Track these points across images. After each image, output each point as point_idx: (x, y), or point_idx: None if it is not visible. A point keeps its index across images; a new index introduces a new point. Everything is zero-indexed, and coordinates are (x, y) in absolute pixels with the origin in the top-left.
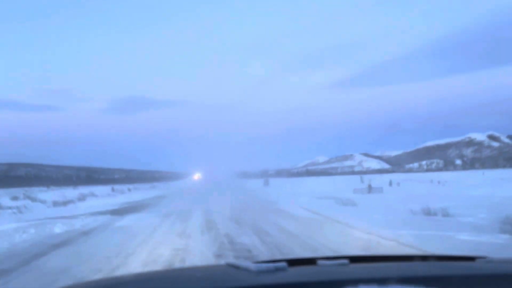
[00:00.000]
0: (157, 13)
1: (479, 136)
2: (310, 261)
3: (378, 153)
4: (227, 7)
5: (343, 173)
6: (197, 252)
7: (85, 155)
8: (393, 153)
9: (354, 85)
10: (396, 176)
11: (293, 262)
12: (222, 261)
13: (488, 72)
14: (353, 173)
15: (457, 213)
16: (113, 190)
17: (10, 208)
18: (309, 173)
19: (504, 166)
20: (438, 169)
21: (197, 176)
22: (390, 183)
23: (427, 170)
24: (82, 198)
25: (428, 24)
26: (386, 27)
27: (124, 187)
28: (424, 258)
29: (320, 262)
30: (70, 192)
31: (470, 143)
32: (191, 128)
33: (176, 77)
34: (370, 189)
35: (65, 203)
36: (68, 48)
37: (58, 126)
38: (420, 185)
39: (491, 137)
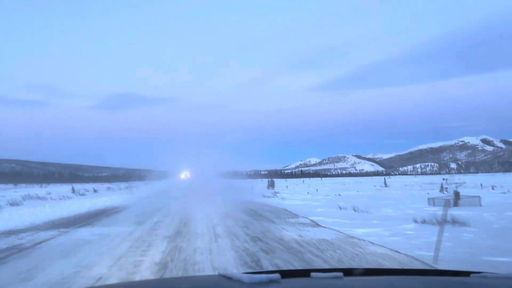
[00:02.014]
0: (150, 11)
1: (473, 140)
2: (304, 273)
3: (369, 156)
4: (220, 8)
5: (340, 175)
6: None
7: (73, 153)
8: (385, 155)
9: (346, 87)
10: (407, 179)
11: (287, 274)
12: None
13: (482, 76)
14: (350, 175)
15: None
16: (73, 191)
17: None
18: (303, 174)
19: (501, 170)
20: (433, 173)
21: (184, 175)
22: (441, 189)
23: (422, 174)
24: (16, 203)
25: (423, 27)
26: (380, 30)
27: (99, 186)
28: (418, 272)
29: (313, 274)
30: (20, 193)
31: (464, 146)
32: (181, 126)
33: (167, 75)
34: (457, 199)
35: None
36: (57, 43)
37: (46, 122)
38: (484, 193)
39: (485, 141)
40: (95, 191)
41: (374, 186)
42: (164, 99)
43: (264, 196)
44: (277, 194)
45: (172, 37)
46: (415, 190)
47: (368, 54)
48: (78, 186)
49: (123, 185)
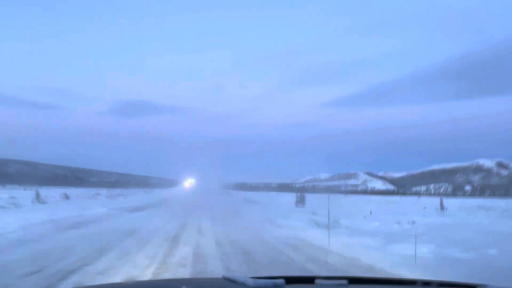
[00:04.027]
0: (163, 20)
1: (487, 163)
2: (309, 280)
3: (381, 173)
4: (236, 20)
5: (355, 192)
6: None
7: (83, 156)
8: (397, 174)
9: (359, 104)
10: (456, 202)
11: (291, 280)
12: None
13: (498, 99)
14: (365, 192)
15: None
16: (37, 197)
17: None
18: (315, 189)
19: None
20: (447, 194)
21: (191, 184)
22: None
23: (435, 195)
24: None
25: (438, 47)
26: (395, 47)
27: (88, 192)
28: (424, 283)
29: (318, 281)
30: None
31: (478, 169)
32: (190, 136)
33: (180, 85)
34: None
35: None
36: (72, 47)
37: (58, 125)
38: None
39: (500, 165)
40: (66, 197)
41: (424, 208)
42: (176, 108)
43: (326, 227)
44: (340, 222)
45: (187, 49)
46: (500, 217)
47: (382, 72)
48: (67, 191)
49: (118, 191)
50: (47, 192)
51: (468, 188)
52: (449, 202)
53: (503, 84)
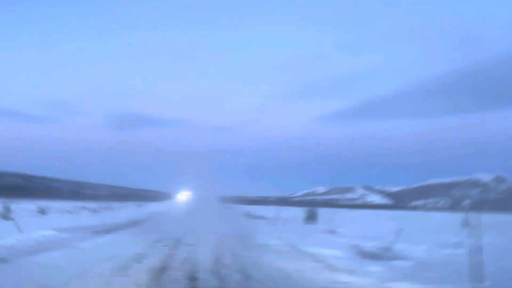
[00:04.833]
0: (163, 34)
1: (485, 177)
2: None
3: (378, 187)
4: (232, 33)
5: (353, 206)
6: None
7: (78, 169)
8: (394, 188)
9: (356, 118)
10: (453, 217)
11: None
12: None
13: (496, 113)
14: (364, 207)
15: None
16: (5, 213)
17: None
18: (314, 203)
19: None
20: (447, 209)
21: (185, 197)
22: None
23: (437, 209)
24: None
25: (433, 60)
26: (390, 61)
27: (69, 206)
28: None
29: None
30: None
31: (476, 183)
32: (187, 149)
33: (177, 97)
34: None
35: None
36: (69, 60)
37: (56, 138)
38: None
39: (498, 179)
40: (41, 212)
41: (444, 224)
42: (173, 120)
43: None
44: (393, 249)
45: (183, 60)
46: None
47: (378, 86)
48: (54, 205)
49: (108, 205)
50: (28, 206)
51: (466, 203)
52: (461, 217)
53: (501, 98)
